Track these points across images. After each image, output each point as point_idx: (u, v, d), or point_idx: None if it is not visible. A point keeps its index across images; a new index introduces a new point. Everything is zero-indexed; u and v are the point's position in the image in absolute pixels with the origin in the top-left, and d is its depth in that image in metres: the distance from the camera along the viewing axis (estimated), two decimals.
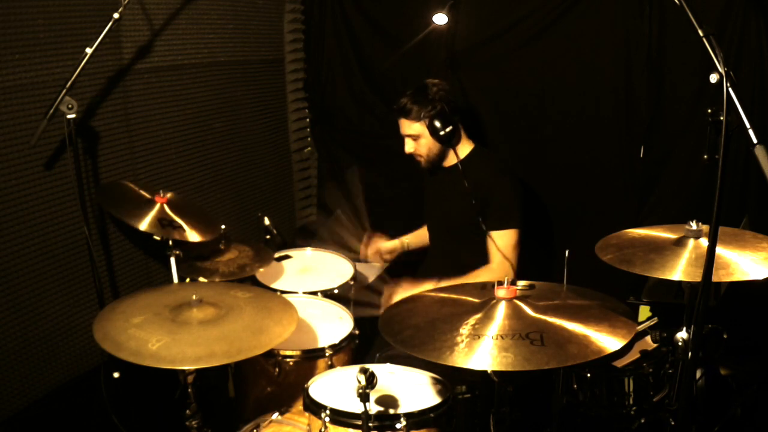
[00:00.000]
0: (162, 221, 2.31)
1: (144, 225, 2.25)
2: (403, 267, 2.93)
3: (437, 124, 2.50)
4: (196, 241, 2.35)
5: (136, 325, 1.70)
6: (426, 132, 2.54)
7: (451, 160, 2.63)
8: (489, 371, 1.65)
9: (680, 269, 1.68)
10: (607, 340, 1.56)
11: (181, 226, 2.34)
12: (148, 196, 2.42)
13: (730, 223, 2.01)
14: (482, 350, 1.53)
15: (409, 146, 2.62)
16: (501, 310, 1.68)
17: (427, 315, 1.76)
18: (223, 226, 2.55)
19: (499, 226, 2.47)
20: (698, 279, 1.48)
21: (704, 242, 1.75)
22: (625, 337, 1.58)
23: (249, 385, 2.25)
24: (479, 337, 1.57)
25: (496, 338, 1.56)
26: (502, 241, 2.46)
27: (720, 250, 1.70)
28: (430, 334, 1.63)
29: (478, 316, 1.67)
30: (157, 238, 2.33)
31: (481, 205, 2.47)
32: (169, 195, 2.41)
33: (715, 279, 1.47)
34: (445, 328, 1.64)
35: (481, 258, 2.51)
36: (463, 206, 2.53)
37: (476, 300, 1.77)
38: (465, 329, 1.61)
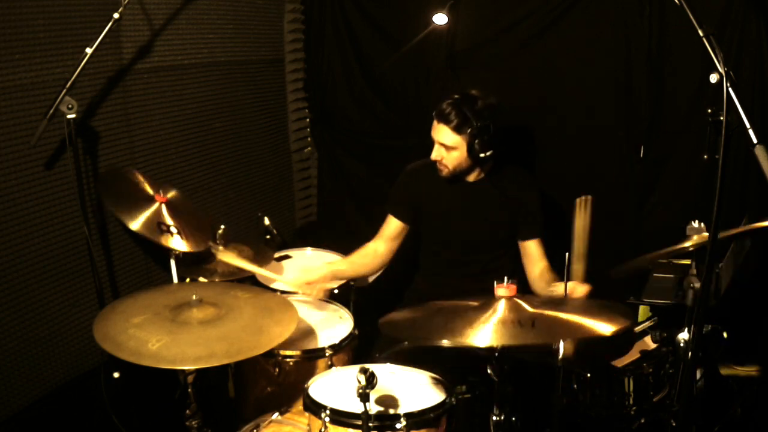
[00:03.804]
0: (161, 225, 2.28)
1: (137, 225, 2.21)
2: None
3: (477, 145, 2.35)
4: (183, 250, 2.30)
5: (136, 325, 1.70)
6: (464, 147, 2.38)
7: (475, 174, 2.52)
8: (485, 347, 1.64)
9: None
10: (599, 325, 1.57)
11: (177, 232, 2.30)
12: (150, 192, 2.39)
13: (730, 223, 2.01)
14: (475, 330, 1.56)
15: (438, 153, 2.43)
16: (501, 306, 1.70)
17: (428, 313, 1.77)
18: (222, 227, 2.55)
19: (531, 235, 2.55)
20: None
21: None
22: (619, 324, 1.58)
23: (249, 385, 2.25)
24: (473, 323, 1.59)
25: (491, 323, 1.58)
26: (539, 249, 2.54)
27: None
28: (427, 324, 1.66)
29: (479, 312, 1.68)
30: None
31: (513, 216, 2.51)
32: (170, 194, 2.40)
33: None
34: (442, 321, 1.66)
35: (500, 272, 2.44)
36: (492, 220, 2.54)
37: (476, 303, 1.78)
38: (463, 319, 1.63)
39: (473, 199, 2.56)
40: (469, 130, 2.34)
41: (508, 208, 2.53)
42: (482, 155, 2.36)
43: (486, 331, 1.55)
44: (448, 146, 2.40)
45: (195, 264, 2.50)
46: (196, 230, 2.40)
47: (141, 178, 2.46)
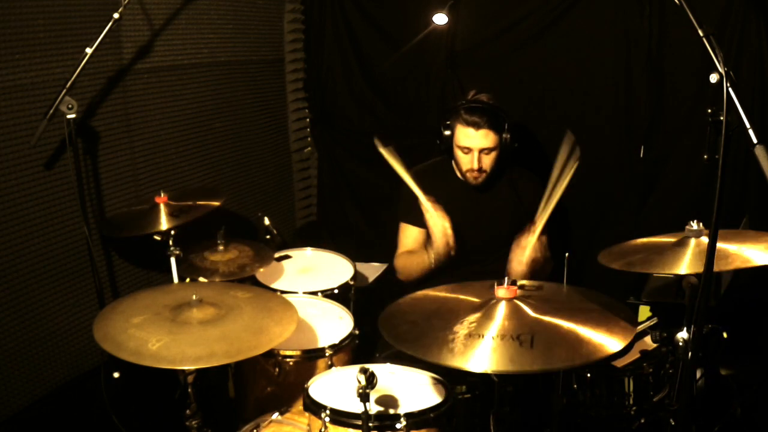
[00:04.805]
0: (173, 213, 2.38)
1: (163, 226, 2.33)
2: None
3: (510, 139, 2.37)
4: (216, 205, 2.45)
5: (136, 325, 1.70)
6: (499, 145, 2.41)
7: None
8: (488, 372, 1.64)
9: (685, 264, 1.66)
10: (604, 341, 1.55)
11: (192, 206, 2.42)
12: (147, 206, 2.46)
13: (730, 224, 2.01)
14: (472, 350, 1.52)
15: (477, 162, 2.40)
16: (500, 312, 1.67)
17: (427, 312, 1.76)
18: (222, 227, 2.56)
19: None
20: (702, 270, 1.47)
21: (705, 239, 1.73)
22: (622, 341, 1.56)
23: (249, 385, 2.25)
24: (471, 336, 1.56)
25: (488, 338, 1.55)
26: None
27: (720, 245, 1.67)
28: (425, 331, 1.62)
29: (477, 315, 1.66)
30: (158, 238, 2.35)
31: (522, 214, 2.47)
32: (166, 194, 2.44)
33: (716, 269, 1.45)
34: (440, 325, 1.63)
35: (501, 272, 2.42)
36: (502, 220, 2.53)
37: (477, 299, 1.76)
38: (461, 328, 1.60)
39: (487, 201, 2.56)
40: (506, 126, 2.39)
41: (518, 206, 2.53)
42: (516, 145, 2.40)
43: (483, 352, 1.51)
44: (491, 148, 2.39)
45: (199, 258, 2.52)
46: (206, 194, 2.56)
47: (134, 206, 2.58)
